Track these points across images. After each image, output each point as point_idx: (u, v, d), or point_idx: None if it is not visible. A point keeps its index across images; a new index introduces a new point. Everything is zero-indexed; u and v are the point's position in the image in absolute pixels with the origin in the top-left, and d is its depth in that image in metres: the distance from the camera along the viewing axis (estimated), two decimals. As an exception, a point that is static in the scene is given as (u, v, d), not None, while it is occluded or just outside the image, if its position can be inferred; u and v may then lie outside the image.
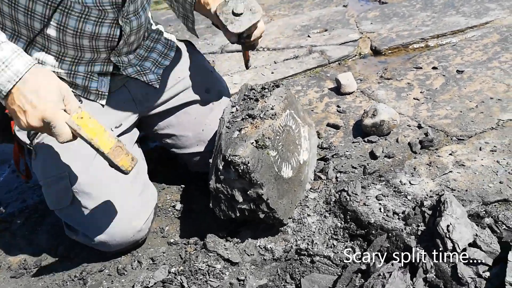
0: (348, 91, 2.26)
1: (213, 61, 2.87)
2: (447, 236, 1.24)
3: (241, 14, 1.45)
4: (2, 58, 1.09)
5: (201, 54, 1.86)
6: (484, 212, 1.42)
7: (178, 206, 1.67)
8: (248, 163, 1.26)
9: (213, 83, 1.76)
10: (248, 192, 1.32)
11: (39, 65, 1.17)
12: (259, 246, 1.47)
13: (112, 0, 1.31)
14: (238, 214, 1.39)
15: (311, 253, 1.47)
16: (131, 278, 1.39)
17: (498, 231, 1.35)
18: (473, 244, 1.25)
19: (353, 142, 1.85)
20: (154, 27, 1.72)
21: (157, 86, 1.62)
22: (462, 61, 2.40)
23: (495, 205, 1.44)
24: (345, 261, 1.45)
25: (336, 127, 1.99)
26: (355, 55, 2.71)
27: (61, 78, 1.41)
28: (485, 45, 2.54)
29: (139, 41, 1.58)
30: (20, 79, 1.11)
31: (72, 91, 1.42)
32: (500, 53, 2.40)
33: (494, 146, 1.66)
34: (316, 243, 1.48)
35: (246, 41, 1.52)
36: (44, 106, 1.11)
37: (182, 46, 1.79)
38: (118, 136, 1.52)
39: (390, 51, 2.73)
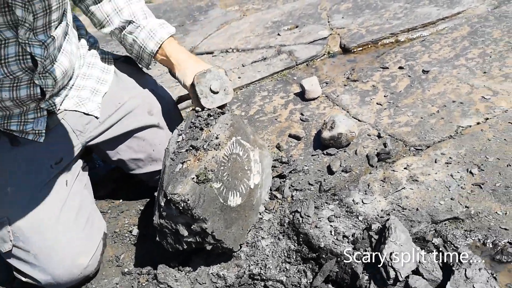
0: (312, 97, 2.23)
1: (181, 65, 2.83)
2: (390, 264, 1.25)
3: (217, 92, 1.52)
4: None
5: (141, 70, 1.81)
6: (434, 231, 1.42)
7: (135, 231, 1.67)
8: (188, 200, 1.26)
9: (154, 104, 1.71)
10: (192, 227, 1.32)
11: None
12: (211, 273, 1.48)
13: (22, 67, 1.28)
14: (185, 247, 1.39)
15: (264, 277, 1.47)
16: (83, 313, 1.41)
17: (446, 253, 1.36)
18: (416, 271, 1.26)
19: (313, 155, 1.84)
20: (87, 51, 1.65)
21: (98, 116, 1.59)
22: (430, 58, 2.37)
23: (445, 224, 1.43)
24: (296, 285, 1.46)
25: (297, 138, 1.98)
26: (324, 54, 2.68)
27: None
28: (454, 39, 2.50)
29: (70, 78, 1.54)
30: None
31: (9, 130, 1.41)
32: (468, 48, 2.37)
33: (450, 158, 1.65)
34: (269, 267, 1.49)
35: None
36: None
37: (120, 66, 1.73)
38: (60, 172, 1.50)
39: (359, 48, 2.69)
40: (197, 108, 1.55)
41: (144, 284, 1.45)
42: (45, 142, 1.48)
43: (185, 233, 1.34)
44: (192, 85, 1.53)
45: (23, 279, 1.43)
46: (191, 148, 1.40)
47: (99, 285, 1.50)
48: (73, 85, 1.56)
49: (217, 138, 1.41)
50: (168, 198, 1.27)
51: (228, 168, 1.42)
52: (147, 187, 1.83)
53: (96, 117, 1.59)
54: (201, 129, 1.46)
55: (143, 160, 1.68)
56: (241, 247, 1.51)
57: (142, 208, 1.81)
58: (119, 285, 1.48)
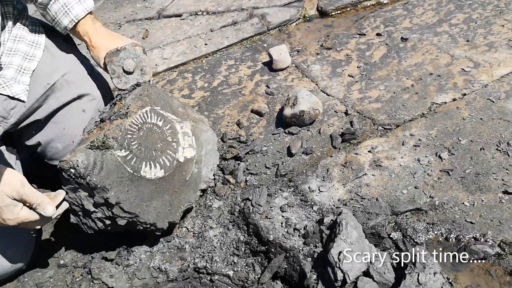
0: (280, 67, 2.06)
1: (146, 30, 2.63)
2: (338, 265, 1.13)
3: (131, 72, 1.41)
4: None
5: (77, 49, 1.62)
6: (394, 223, 1.30)
7: (73, 218, 1.54)
8: (78, 166, 1.16)
9: (88, 87, 1.53)
10: (94, 199, 1.23)
11: None
12: (152, 267, 1.37)
13: None
14: (100, 225, 1.27)
15: (210, 271, 1.36)
16: (12, 311, 1.30)
17: (404, 249, 1.24)
18: (367, 273, 1.14)
19: (274, 134, 1.70)
20: (13, 21, 1.44)
21: (25, 99, 1.41)
22: (410, 24, 2.18)
23: (406, 216, 1.31)
24: (244, 280, 1.35)
25: (260, 114, 1.82)
26: (299, 19, 2.48)
27: None
28: (439, 2, 2.30)
29: None
30: None
31: None
32: (453, 13, 2.18)
33: (419, 140, 1.51)
34: (216, 260, 1.37)
35: None
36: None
37: (54, 40, 1.52)
38: None
39: (338, 12, 2.49)
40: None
41: (77, 279, 1.34)
42: None
43: (91, 207, 1.24)
44: (104, 64, 1.41)
45: None
46: (99, 121, 1.30)
47: (31, 278, 1.38)
48: None
49: (127, 108, 1.30)
50: (58, 167, 1.18)
51: (139, 137, 1.30)
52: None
53: (22, 101, 1.41)
54: (115, 104, 1.34)
55: (61, 150, 1.51)
56: (174, 226, 1.38)
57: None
58: (53, 278, 1.37)
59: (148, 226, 1.30)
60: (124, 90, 1.41)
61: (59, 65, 1.47)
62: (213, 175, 1.48)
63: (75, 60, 1.54)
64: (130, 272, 1.34)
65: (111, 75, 1.41)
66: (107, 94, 1.59)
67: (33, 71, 1.42)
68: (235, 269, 1.36)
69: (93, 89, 1.54)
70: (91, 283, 1.31)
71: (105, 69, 1.42)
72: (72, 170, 1.17)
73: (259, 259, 1.36)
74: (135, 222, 1.28)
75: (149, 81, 1.46)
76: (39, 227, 1.22)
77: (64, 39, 1.54)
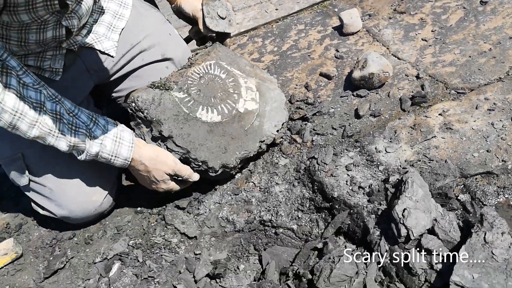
0: (351, 31, 2.04)
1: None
2: (402, 222, 1.14)
3: (223, 18, 1.56)
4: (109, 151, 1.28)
5: (159, 12, 1.71)
6: (462, 186, 1.28)
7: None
8: (137, 100, 1.35)
9: (170, 49, 1.63)
10: (152, 133, 1.38)
11: (139, 141, 1.36)
12: (220, 217, 1.44)
13: (50, 11, 1.19)
14: None
15: (275, 224, 1.42)
16: (95, 248, 1.43)
17: (472, 211, 1.22)
18: (431, 231, 1.14)
19: (341, 97, 1.70)
20: None
21: (114, 54, 1.52)
22: (492, -13, 2.06)
23: (476, 179, 1.28)
24: (307, 235, 1.39)
25: (328, 77, 1.83)
26: (372, -17, 2.42)
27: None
28: (525, -36, 2.15)
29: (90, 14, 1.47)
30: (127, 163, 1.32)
31: (26, 65, 1.38)
32: (540, -25, 2.03)
33: (494, 104, 1.45)
34: (281, 214, 1.42)
35: (211, 39, 1.65)
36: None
37: (138, 2, 1.64)
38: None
39: (413, -25, 2.39)
40: None
41: (153, 224, 1.45)
42: (60, 81, 1.45)
43: (150, 141, 1.39)
44: (201, 6, 1.54)
45: (41, 211, 1.46)
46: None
47: (112, 222, 1.51)
48: (90, 21, 1.49)
49: (194, 61, 1.49)
50: (128, 102, 1.38)
51: (199, 84, 1.45)
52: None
53: (112, 56, 1.53)
54: (191, 64, 1.52)
55: None
56: (227, 170, 1.44)
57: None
58: (131, 223, 1.48)
59: (200, 164, 1.39)
60: (212, 32, 1.56)
61: (144, 25, 1.58)
62: (277, 131, 1.51)
63: (159, 21, 1.65)
64: (200, 221, 1.43)
65: (206, 15, 1.52)
66: (186, 57, 1.67)
67: (122, 29, 1.52)
68: (299, 223, 1.41)
69: (175, 52, 1.65)
70: (165, 228, 1.41)
71: (198, 13, 1.55)
72: (133, 104, 1.36)
73: (323, 215, 1.40)
74: (187, 158, 1.39)
75: (230, 34, 1.61)
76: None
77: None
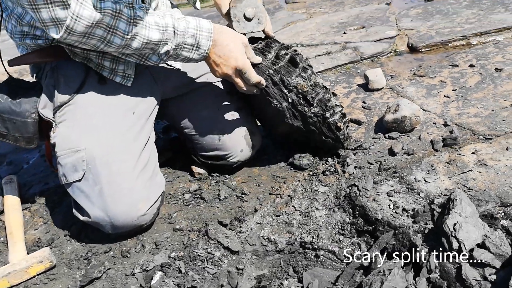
0: (376, 87, 2.19)
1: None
2: (453, 235, 1.17)
3: (250, 19, 1.60)
4: (194, 26, 1.39)
5: None
6: (502, 213, 1.33)
7: (188, 195, 1.67)
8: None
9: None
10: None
11: (216, 24, 1.45)
12: (262, 236, 1.45)
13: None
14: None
15: (316, 247, 1.43)
16: (132, 261, 1.41)
17: (516, 234, 1.26)
18: (482, 245, 1.17)
19: (373, 138, 1.79)
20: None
21: (180, 67, 1.65)
22: (503, 59, 2.27)
23: (515, 208, 1.34)
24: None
25: (358, 123, 1.93)
26: (390, 52, 2.63)
27: (89, 58, 1.48)
28: (532, 43, 2.38)
29: None
30: (211, 37, 1.42)
31: (102, 66, 1.48)
32: (547, 52, 2.25)
33: (523, 146, 1.55)
34: (321, 237, 1.44)
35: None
36: (235, 57, 1.43)
37: None
38: (140, 120, 1.54)
39: (427, 49, 2.62)
40: None
41: (194, 240, 1.45)
42: (131, 88, 1.53)
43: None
44: (229, 10, 1.60)
45: (81, 217, 1.46)
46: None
47: (150, 238, 1.50)
48: None
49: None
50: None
51: None
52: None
53: (178, 69, 1.65)
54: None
55: (205, 145, 1.71)
56: None
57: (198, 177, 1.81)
58: (170, 239, 1.48)
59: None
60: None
61: None
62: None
63: None
64: (242, 238, 1.44)
65: (232, 18, 1.58)
66: None
67: None
68: (341, 246, 1.42)
69: None
70: (208, 242, 1.41)
71: (227, 14, 1.62)
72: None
73: (365, 239, 1.42)
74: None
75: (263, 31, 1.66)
76: (245, 89, 1.52)
77: None
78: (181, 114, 1.72)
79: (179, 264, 1.35)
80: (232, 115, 1.69)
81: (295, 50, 1.60)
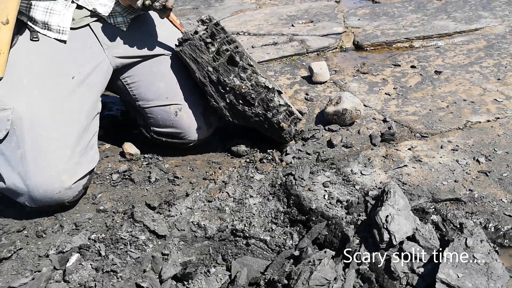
0: (320, 80, 2.17)
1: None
2: (385, 226, 1.16)
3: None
4: None
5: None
6: (433, 209, 1.34)
7: (116, 176, 1.57)
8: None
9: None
10: None
11: None
12: (192, 222, 1.38)
13: None
14: None
15: (247, 235, 1.38)
16: (48, 241, 1.30)
17: (444, 230, 1.27)
18: (412, 238, 1.17)
19: (314, 129, 1.76)
20: None
21: (124, 29, 1.53)
22: (443, 63, 2.32)
23: (445, 204, 1.35)
24: (280, 246, 1.36)
25: (299, 113, 1.90)
26: (336, 48, 2.63)
27: (20, 11, 1.35)
28: (470, 50, 2.46)
29: None
30: None
31: (33, 19, 1.35)
32: (483, 58, 2.32)
33: (457, 146, 1.57)
34: (254, 225, 1.39)
35: (153, 6, 1.42)
36: None
37: None
38: (81, 85, 1.43)
39: (372, 48, 2.64)
40: None
41: (117, 222, 1.35)
42: (69, 48, 1.41)
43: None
44: None
45: None
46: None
47: (70, 218, 1.38)
48: None
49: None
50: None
51: None
52: (138, 140, 1.73)
53: (123, 31, 1.54)
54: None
55: (162, 88, 1.57)
56: None
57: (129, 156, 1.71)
58: (92, 220, 1.37)
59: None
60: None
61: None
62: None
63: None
64: (170, 222, 1.36)
65: None
66: None
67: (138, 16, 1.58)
68: (272, 235, 1.38)
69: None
70: (133, 225, 1.32)
71: None
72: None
73: (298, 229, 1.38)
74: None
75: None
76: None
77: None
78: (135, 84, 1.59)
79: (99, 246, 1.25)
80: (190, 91, 1.59)
81: (237, 47, 1.53)
